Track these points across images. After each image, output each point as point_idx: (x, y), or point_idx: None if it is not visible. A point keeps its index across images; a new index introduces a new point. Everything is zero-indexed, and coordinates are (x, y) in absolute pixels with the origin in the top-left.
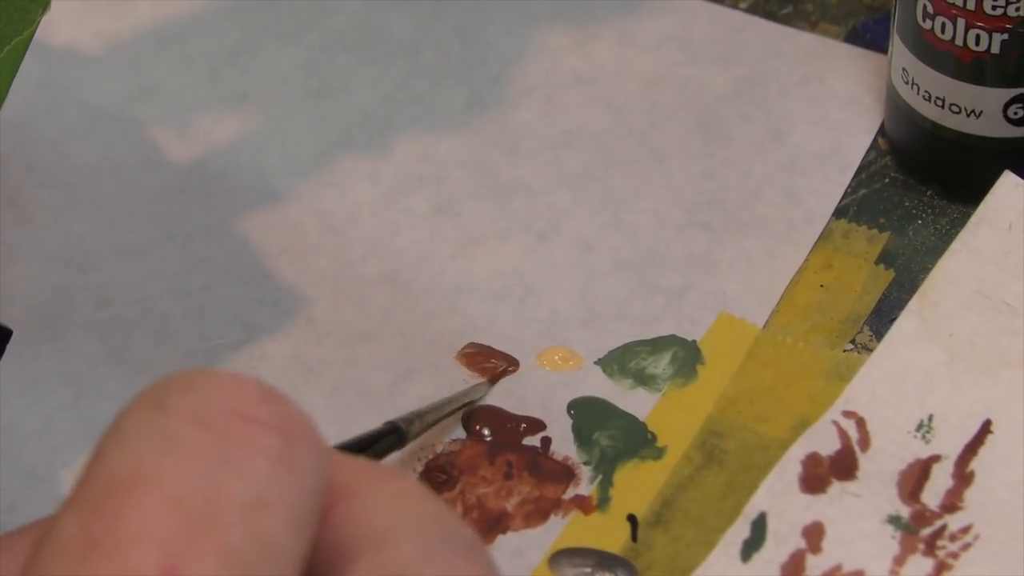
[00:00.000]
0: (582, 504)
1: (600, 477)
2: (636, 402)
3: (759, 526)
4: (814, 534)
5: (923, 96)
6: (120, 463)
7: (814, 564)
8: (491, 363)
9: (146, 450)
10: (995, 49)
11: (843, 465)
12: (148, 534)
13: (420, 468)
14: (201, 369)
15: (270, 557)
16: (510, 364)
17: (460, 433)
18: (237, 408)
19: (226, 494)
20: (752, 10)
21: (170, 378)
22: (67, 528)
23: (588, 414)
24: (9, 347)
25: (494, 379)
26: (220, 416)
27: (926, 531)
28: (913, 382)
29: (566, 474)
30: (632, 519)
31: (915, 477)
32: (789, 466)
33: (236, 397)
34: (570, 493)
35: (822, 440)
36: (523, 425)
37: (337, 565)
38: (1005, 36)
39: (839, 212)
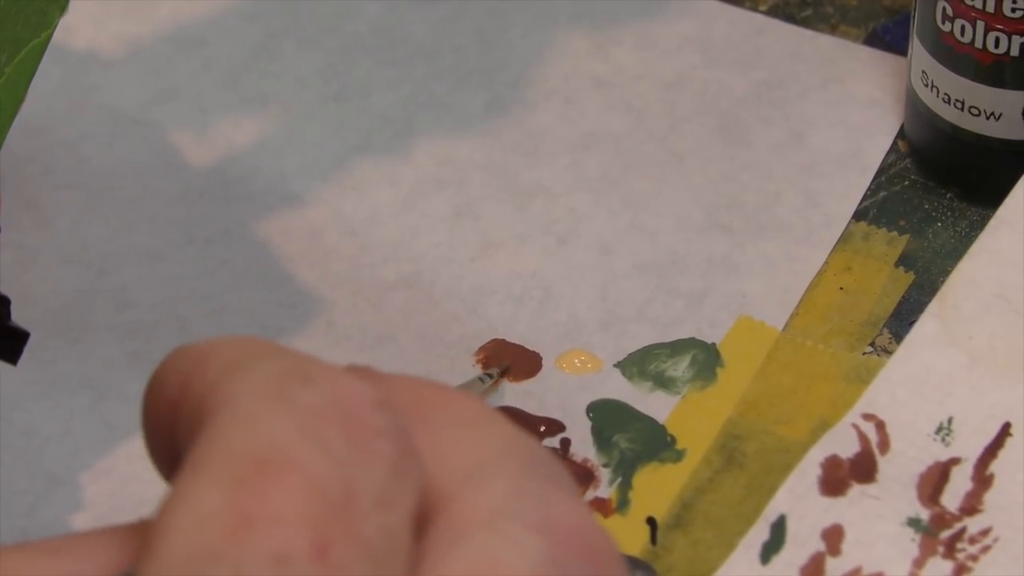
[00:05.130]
0: (601, 507)
1: (619, 479)
2: (655, 405)
3: (779, 528)
4: (834, 536)
5: (943, 98)
6: (257, 444)
7: (834, 566)
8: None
9: (282, 435)
10: (1014, 52)
11: (863, 468)
12: (299, 513)
13: None
14: (310, 359)
15: (395, 551)
16: (529, 361)
17: None
18: (355, 412)
19: (359, 486)
20: (772, 13)
21: (281, 363)
22: (210, 502)
23: (607, 417)
24: (28, 350)
25: (502, 373)
26: (341, 417)
27: (945, 534)
28: (933, 385)
29: (585, 476)
30: (652, 522)
31: (934, 480)
32: (809, 468)
33: (353, 400)
34: (589, 495)
35: (842, 443)
36: (542, 427)
37: (426, 504)
38: None
39: (859, 215)
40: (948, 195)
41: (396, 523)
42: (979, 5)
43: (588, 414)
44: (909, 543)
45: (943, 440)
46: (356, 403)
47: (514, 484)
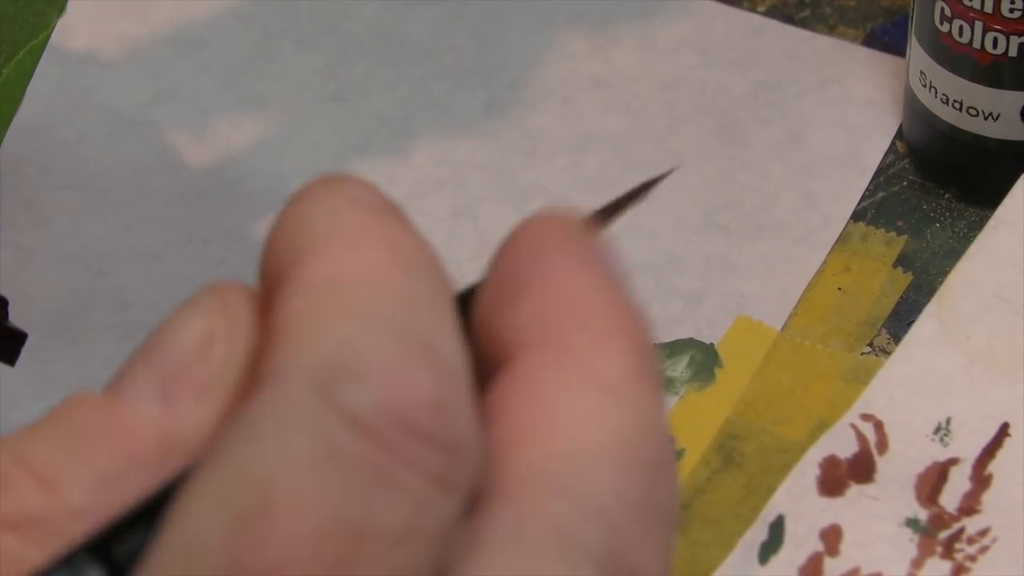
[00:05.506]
0: None
1: None
2: None
3: (777, 529)
4: (832, 537)
5: (941, 99)
6: (273, 464)
7: (832, 567)
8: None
9: (303, 456)
10: (1013, 52)
11: (861, 468)
12: (296, 565)
13: None
14: (373, 335)
15: None
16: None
17: None
18: (405, 417)
19: (375, 524)
20: (770, 13)
21: (341, 346)
22: (205, 536)
23: None
24: (26, 350)
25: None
26: (385, 426)
27: (944, 534)
28: (931, 385)
29: None
30: None
31: (933, 480)
32: (807, 469)
33: (406, 402)
34: None
35: (840, 443)
36: None
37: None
38: (1023, 39)
39: (857, 215)
40: (946, 195)
41: (418, 552)
42: (977, 5)
43: None
44: (907, 543)
45: (941, 440)
46: (407, 408)
47: (632, 524)
